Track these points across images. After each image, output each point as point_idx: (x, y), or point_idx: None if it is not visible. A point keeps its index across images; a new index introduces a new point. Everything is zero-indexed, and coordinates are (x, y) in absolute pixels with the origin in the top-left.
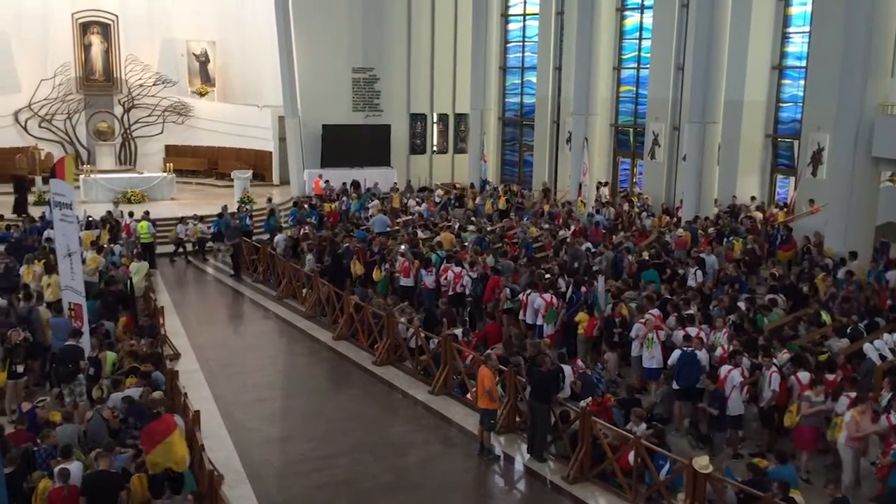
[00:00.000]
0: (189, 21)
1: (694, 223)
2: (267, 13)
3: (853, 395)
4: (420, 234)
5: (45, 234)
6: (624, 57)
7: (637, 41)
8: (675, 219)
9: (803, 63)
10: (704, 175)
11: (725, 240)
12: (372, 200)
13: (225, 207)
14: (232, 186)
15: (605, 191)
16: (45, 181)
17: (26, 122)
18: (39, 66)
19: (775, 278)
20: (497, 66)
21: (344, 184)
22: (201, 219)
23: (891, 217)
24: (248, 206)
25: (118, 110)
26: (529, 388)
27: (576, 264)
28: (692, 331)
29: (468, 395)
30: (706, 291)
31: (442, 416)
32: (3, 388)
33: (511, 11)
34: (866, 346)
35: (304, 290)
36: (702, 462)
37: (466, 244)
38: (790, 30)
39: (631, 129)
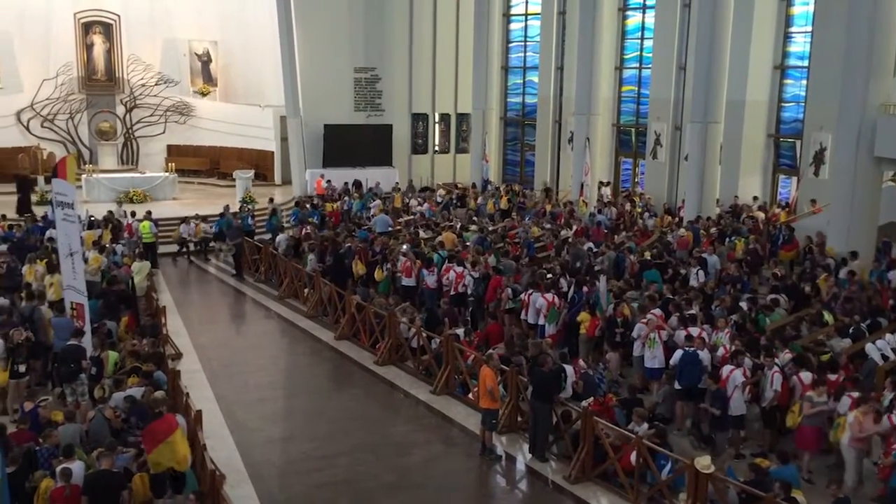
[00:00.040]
0: (191, 21)
1: (696, 223)
2: (269, 13)
3: (855, 395)
4: (422, 233)
5: (48, 233)
6: (626, 57)
7: (639, 41)
8: (676, 219)
9: (805, 63)
10: (706, 175)
11: (727, 240)
12: (374, 200)
13: (227, 207)
14: (234, 186)
15: (607, 191)
16: (48, 181)
17: (28, 121)
18: (42, 66)
19: (777, 278)
20: (499, 66)
21: (346, 183)
22: (204, 218)
23: (893, 217)
24: (249, 206)
25: (120, 110)
26: (531, 388)
27: (578, 264)
28: (694, 331)
29: (470, 395)
30: (708, 291)
31: (444, 415)
32: (5, 388)
33: (513, 11)
34: (868, 347)
35: (306, 290)
36: (703, 462)
37: (468, 244)
38: (792, 29)
39: (633, 129)
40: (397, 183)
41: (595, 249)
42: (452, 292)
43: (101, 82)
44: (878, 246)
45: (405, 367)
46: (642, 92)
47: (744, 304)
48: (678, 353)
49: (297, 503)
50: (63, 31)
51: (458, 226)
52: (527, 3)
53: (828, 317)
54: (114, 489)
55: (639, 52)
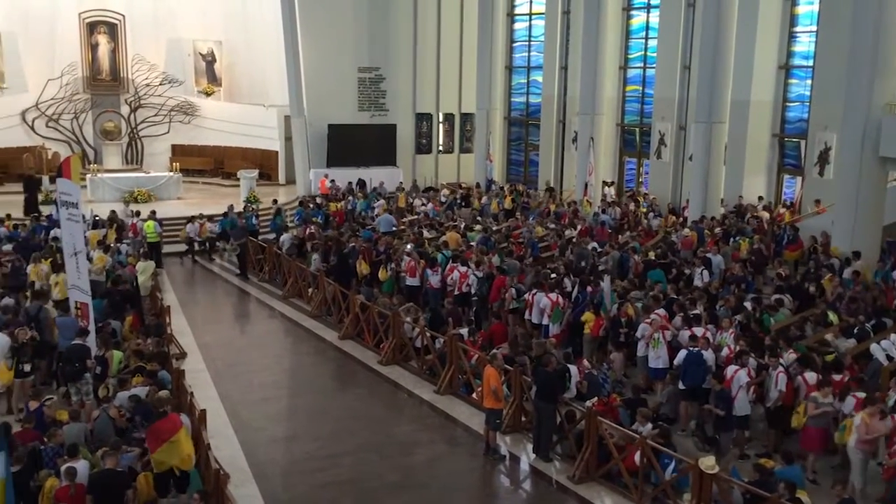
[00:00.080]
0: (195, 21)
1: (700, 223)
2: (273, 13)
3: (860, 395)
4: (426, 233)
5: (52, 233)
6: (630, 56)
7: (643, 40)
8: (681, 219)
9: (810, 62)
10: (711, 175)
11: (732, 240)
12: (378, 200)
13: (231, 207)
14: (238, 186)
15: (611, 190)
16: (52, 180)
17: (33, 121)
18: (46, 66)
19: (782, 278)
20: (503, 66)
21: (350, 183)
22: (210, 218)
23: None
24: (254, 206)
25: (125, 110)
26: (535, 388)
27: (582, 264)
28: (698, 331)
29: (474, 395)
30: (712, 291)
31: (447, 415)
32: (10, 387)
33: (517, 11)
34: (873, 347)
35: (310, 290)
36: (708, 462)
37: (472, 244)
38: (797, 29)
39: (637, 129)
40: (401, 183)
41: (599, 249)
42: (456, 292)
43: (105, 82)
44: (882, 246)
45: (409, 366)
46: (646, 92)
47: (748, 305)
48: (682, 354)
49: (301, 502)
50: (68, 30)
51: (462, 225)
52: (531, 2)
53: (832, 317)
54: (118, 488)
55: (643, 52)
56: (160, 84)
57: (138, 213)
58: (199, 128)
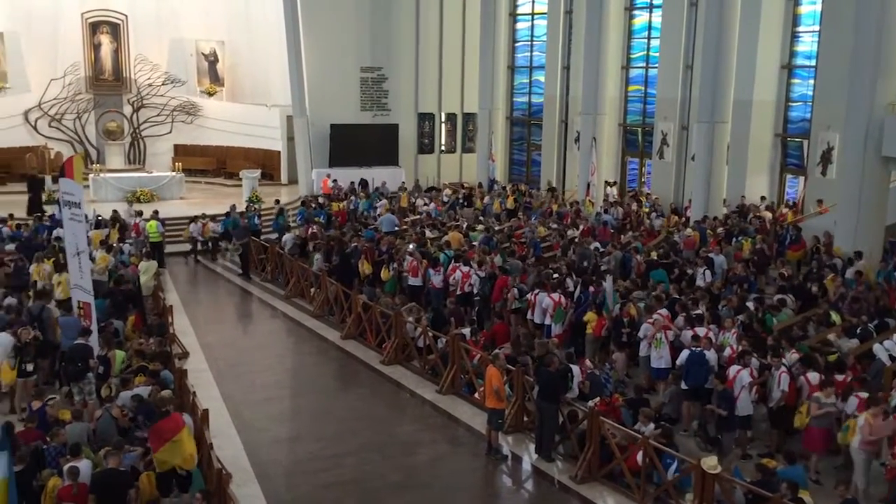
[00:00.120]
0: (198, 21)
1: (703, 223)
2: (276, 13)
3: (863, 395)
4: (428, 233)
5: (55, 232)
6: (632, 56)
7: (646, 40)
8: (683, 218)
9: (813, 62)
10: (713, 175)
11: (734, 240)
12: (380, 200)
13: (233, 207)
14: (240, 186)
15: (614, 190)
16: (55, 180)
17: (36, 121)
18: (49, 66)
19: (784, 278)
20: (505, 66)
21: (352, 183)
22: (213, 218)
23: None
24: (256, 206)
25: (127, 110)
26: (537, 388)
27: (584, 264)
28: (701, 331)
29: (476, 395)
30: (715, 291)
31: (450, 415)
32: (13, 387)
33: (519, 10)
34: (876, 347)
35: (313, 290)
36: (710, 462)
37: (474, 244)
38: (800, 29)
39: (639, 129)
40: (403, 182)
41: (601, 249)
42: (459, 292)
43: (108, 82)
44: (885, 246)
45: (411, 366)
46: (649, 91)
47: (751, 305)
48: (685, 354)
49: (304, 503)
50: (70, 30)
51: (465, 225)
52: (533, 2)
53: (835, 317)
54: (121, 488)
55: (645, 52)
56: (163, 84)
57: (141, 213)
58: (202, 128)
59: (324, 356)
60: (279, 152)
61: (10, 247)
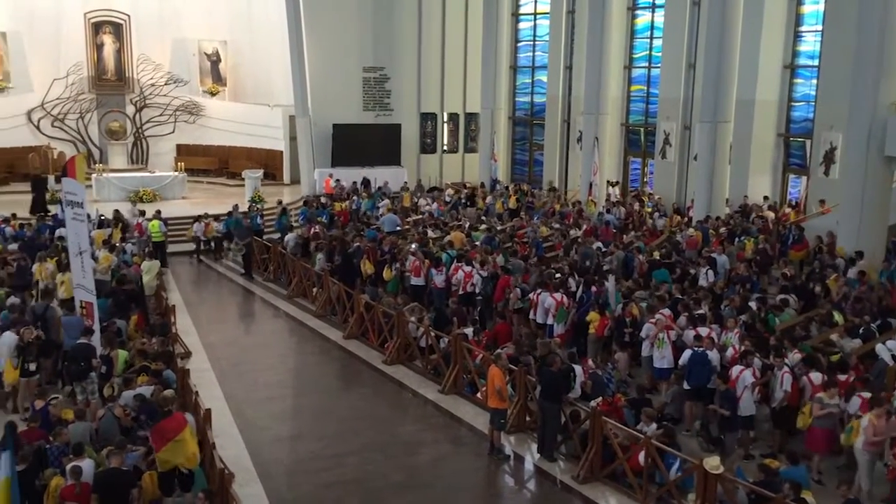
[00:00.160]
0: (200, 21)
1: (705, 223)
2: (278, 13)
3: (866, 395)
4: (430, 233)
5: (57, 232)
6: (635, 56)
7: (648, 40)
8: (686, 218)
9: (816, 62)
10: (716, 174)
11: (737, 239)
12: (382, 199)
13: (236, 206)
14: (243, 185)
15: (616, 190)
16: (58, 180)
17: (39, 121)
18: (52, 66)
19: (787, 278)
20: (507, 66)
21: (354, 183)
22: (216, 217)
23: None
24: (258, 206)
25: (130, 109)
26: (540, 388)
27: (586, 263)
28: (703, 331)
29: (478, 395)
30: (717, 291)
31: (452, 415)
32: (15, 386)
33: (522, 10)
34: (878, 347)
35: (315, 289)
36: (713, 463)
37: (477, 243)
38: (802, 29)
39: (642, 129)
40: (406, 182)
41: (604, 249)
42: (461, 292)
43: (111, 82)
44: (888, 246)
45: (414, 366)
46: (651, 91)
47: (753, 304)
48: (687, 353)
49: (306, 502)
50: (73, 30)
51: (467, 225)
52: (535, 2)
53: (838, 317)
54: (123, 487)
55: (648, 52)
56: (165, 84)
57: (143, 213)
58: (204, 128)
59: (326, 356)
60: (282, 152)
61: (13, 246)
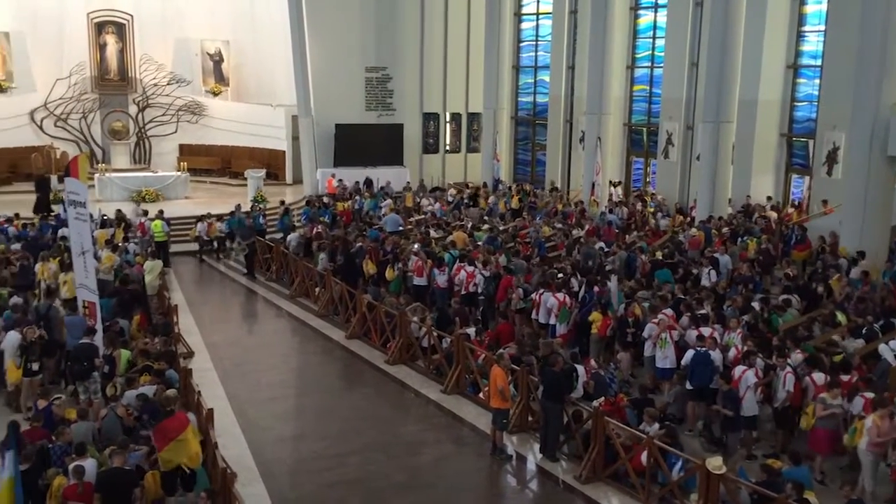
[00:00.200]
0: (203, 21)
1: (708, 223)
2: (281, 13)
3: (869, 395)
4: (433, 233)
5: (60, 232)
6: (637, 56)
7: (651, 40)
8: (688, 218)
9: (818, 62)
10: (718, 174)
11: (739, 239)
12: (385, 199)
13: (238, 206)
14: (245, 185)
15: (618, 190)
16: (60, 180)
17: (42, 121)
18: (55, 66)
19: (789, 278)
20: (510, 66)
21: (357, 183)
22: (219, 217)
23: None
24: (261, 206)
25: (133, 109)
26: (542, 388)
27: (589, 263)
28: (705, 331)
29: (480, 395)
30: (720, 291)
31: (454, 415)
32: (18, 386)
33: (524, 10)
34: (881, 347)
35: (317, 289)
36: (715, 463)
37: (479, 243)
38: (805, 28)
39: (644, 129)
40: (408, 182)
41: (606, 249)
42: (463, 292)
43: (113, 82)
44: (891, 246)
45: (416, 366)
46: (654, 91)
47: (756, 305)
48: (689, 354)
49: (308, 502)
50: (76, 30)
51: (470, 225)
52: (538, 2)
53: (841, 317)
54: (126, 486)
55: (650, 51)
56: (168, 84)
57: (146, 213)
58: (207, 127)
59: (328, 356)
60: (284, 152)
61: (16, 246)
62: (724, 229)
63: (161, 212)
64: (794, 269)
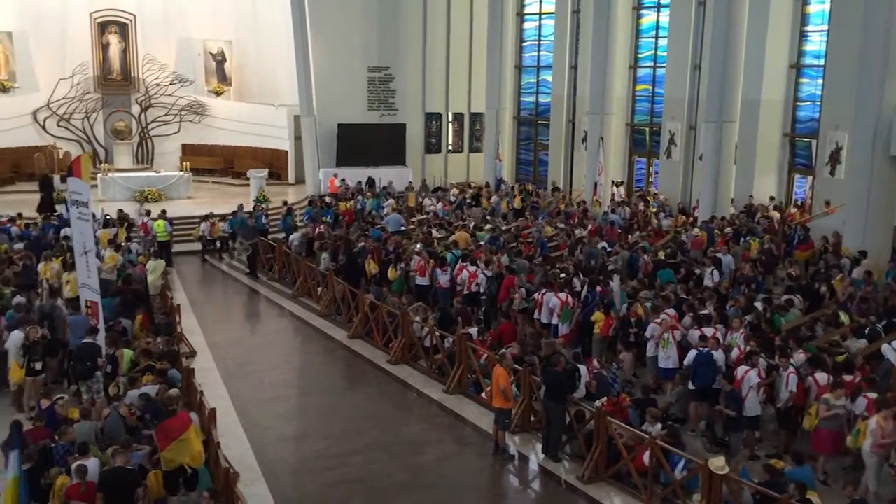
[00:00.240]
0: (206, 20)
1: (710, 223)
2: (283, 13)
3: (872, 396)
4: (435, 233)
5: (63, 231)
6: (640, 55)
7: (653, 39)
8: (691, 218)
9: (821, 62)
10: (721, 174)
11: (742, 239)
12: (387, 199)
13: (240, 206)
14: (248, 185)
15: (621, 190)
16: (63, 179)
17: (45, 121)
18: (58, 66)
19: (792, 278)
20: (512, 65)
21: (359, 182)
22: (223, 217)
23: None
24: (263, 205)
25: (135, 109)
26: (544, 388)
27: (591, 263)
28: (708, 331)
29: (483, 395)
30: (723, 291)
31: (456, 415)
32: (21, 385)
33: (527, 10)
34: (884, 347)
35: (320, 289)
36: (718, 463)
37: (481, 243)
38: (808, 28)
39: (647, 129)
40: (410, 182)
41: (609, 249)
42: (465, 291)
43: (116, 82)
44: (894, 246)
45: (418, 366)
46: (657, 91)
47: (758, 305)
48: (692, 354)
49: (311, 501)
50: (79, 30)
51: (472, 225)
52: (541, 2)
53: (844, 317)
54: (128, 486)
55: (653, 51)
56: (170, 84)
57: (149, 212)
58: (210, 127)
59: (331, 355)
60: (286, 152)
61: (19, 246)
62: (727, 229)
63: (164, 211)
64: (797, 269)
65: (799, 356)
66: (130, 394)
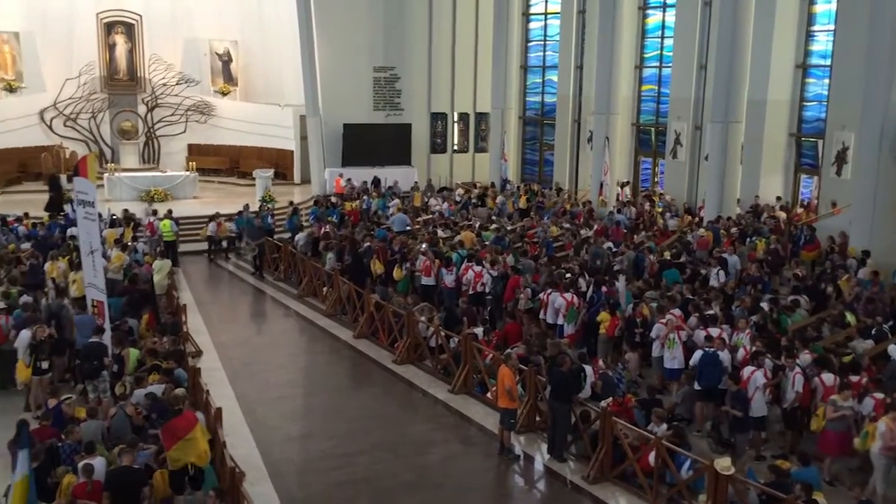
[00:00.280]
0: (212, 21)
1: (716, 223)
2: (289, 13)
3: (879, 396)
4: (441, 233)
5: (69, 231)
6: (646, 55)
7: (659, 39)
8: (697, 219)
9: (828, 62)
10: (727, 175)
11: (748, 240)
12: (393, 199)
13: (246, 206)
14: (254, 185)
15: (627, 190)
16: (70, 179)
17: (51, 121)
18: (64, 66)
19: (798, 279)
20: (518, 65)
21: (365, 182)
22: (229, 217)
23: None
24: (269, 205)
25: (142, 109)
26: (550, 388)
27: (597, 263)
28: (714, 331)
29: (488, 395)
30: (728, 292)
31: (462, 415)
32: (28, 384)
33: (532, 10)
34: (891, 348)
35: (325, 289)
36: (723, 463)
37: (487, 243)
38: (814, 28)
39: (653, 129)
40: (416, 182)
41: (614, 249)
42: (471, 291)
43: (122, 82)
44: None
45: (423, 366)
46: (662, 91)
47: (765, 305)
48: (698, 354)
49: (316, 501)
50: (85, 31)
51: (478, 225)
52: (546, 2)
53: (850, 318)
54: (134, 485)
55: (659, 51)
56: (177, 84)
57: (155, 212)
58: (216, 127)
59: (336, 355)
60: (292, 152)
61: (26, 245)
62: (733, 229)
63: (170, 211)
64: (803, 269)
65: (805, 357)
66: (137, 393)
